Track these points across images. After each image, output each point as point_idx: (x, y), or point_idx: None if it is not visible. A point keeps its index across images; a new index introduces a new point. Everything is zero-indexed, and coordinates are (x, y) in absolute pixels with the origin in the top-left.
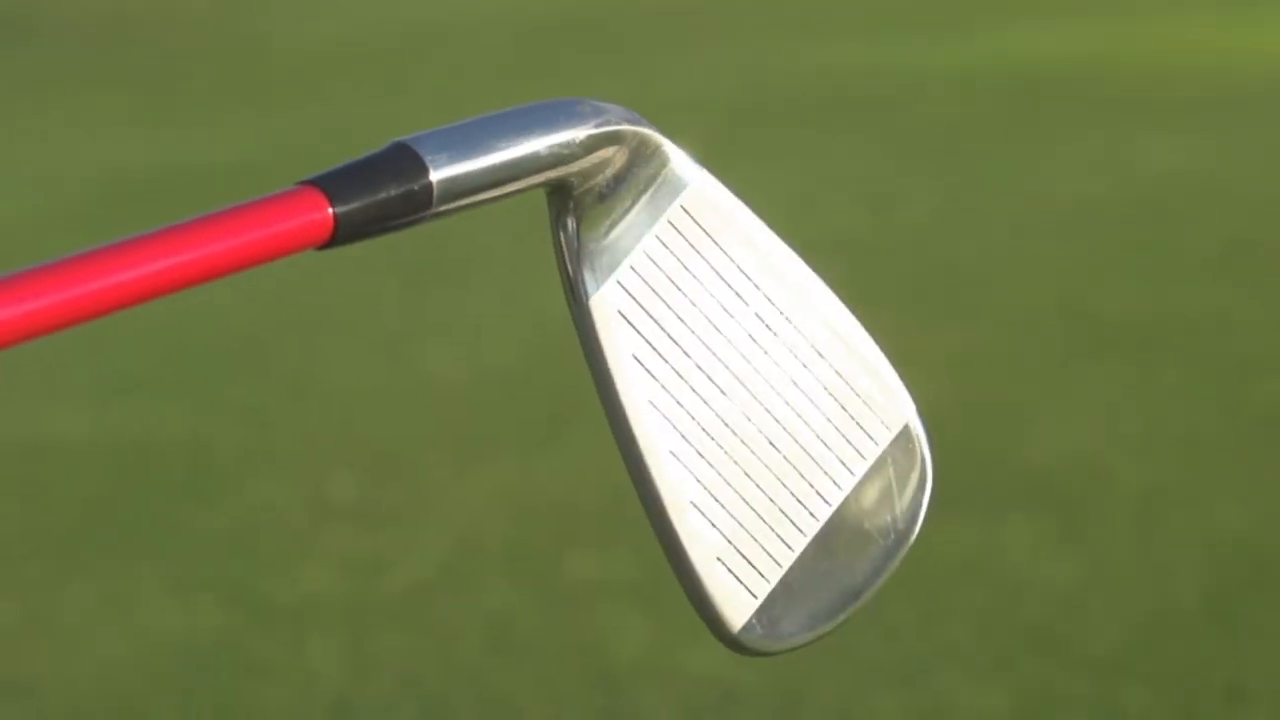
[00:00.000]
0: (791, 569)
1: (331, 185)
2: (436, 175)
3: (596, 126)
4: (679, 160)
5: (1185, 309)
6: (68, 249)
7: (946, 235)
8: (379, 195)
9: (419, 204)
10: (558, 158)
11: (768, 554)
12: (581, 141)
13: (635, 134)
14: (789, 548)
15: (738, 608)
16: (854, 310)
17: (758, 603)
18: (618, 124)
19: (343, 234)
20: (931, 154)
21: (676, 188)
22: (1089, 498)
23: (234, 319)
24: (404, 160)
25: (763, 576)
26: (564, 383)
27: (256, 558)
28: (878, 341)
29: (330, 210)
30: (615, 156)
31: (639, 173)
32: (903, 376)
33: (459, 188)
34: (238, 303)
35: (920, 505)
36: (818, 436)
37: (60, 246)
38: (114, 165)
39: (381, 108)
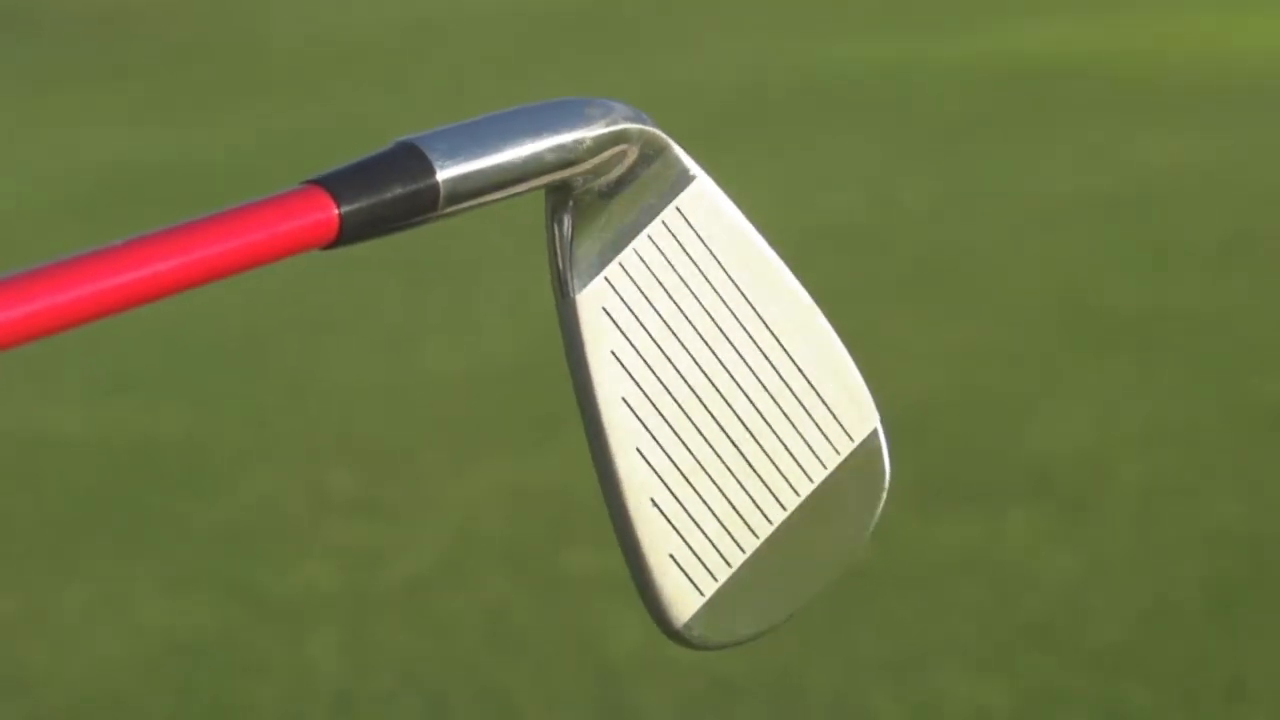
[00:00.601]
0: (740, 569)
1: (337, 185)
2: (443, 176)
3: (604, 127)
4: (680, 162)
5: (1186, 304)
6: (70, 244)
7: (946, 230)
8: (385, 195)
9: (425, 205)
10: (564, 160)
11: (719, 554)
12: (588, 145)
13: (641, 134)
14: (741, 549)
15: (683, 604)
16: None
17: (704, 600)
18: (624, 124)
19: (348, 234)
20: (931, 148)
21: (675, 189)
22: (1089, 492)
23: (232, 316)
24: (410, 160)
25: (712, 575)
26: (562, 380)
27: (254, 553)
28: (857, 349)
29: (336, 210)
30: (621, 157)
31: (640, 172)
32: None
33: (465, 189)
34: (236, 300)
35: (873, 515)
36: (782, 443)
37: (62, 242)
38: (115, 161)
39: (382, 106)
